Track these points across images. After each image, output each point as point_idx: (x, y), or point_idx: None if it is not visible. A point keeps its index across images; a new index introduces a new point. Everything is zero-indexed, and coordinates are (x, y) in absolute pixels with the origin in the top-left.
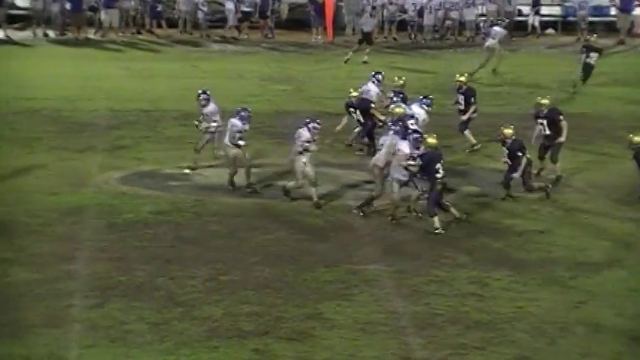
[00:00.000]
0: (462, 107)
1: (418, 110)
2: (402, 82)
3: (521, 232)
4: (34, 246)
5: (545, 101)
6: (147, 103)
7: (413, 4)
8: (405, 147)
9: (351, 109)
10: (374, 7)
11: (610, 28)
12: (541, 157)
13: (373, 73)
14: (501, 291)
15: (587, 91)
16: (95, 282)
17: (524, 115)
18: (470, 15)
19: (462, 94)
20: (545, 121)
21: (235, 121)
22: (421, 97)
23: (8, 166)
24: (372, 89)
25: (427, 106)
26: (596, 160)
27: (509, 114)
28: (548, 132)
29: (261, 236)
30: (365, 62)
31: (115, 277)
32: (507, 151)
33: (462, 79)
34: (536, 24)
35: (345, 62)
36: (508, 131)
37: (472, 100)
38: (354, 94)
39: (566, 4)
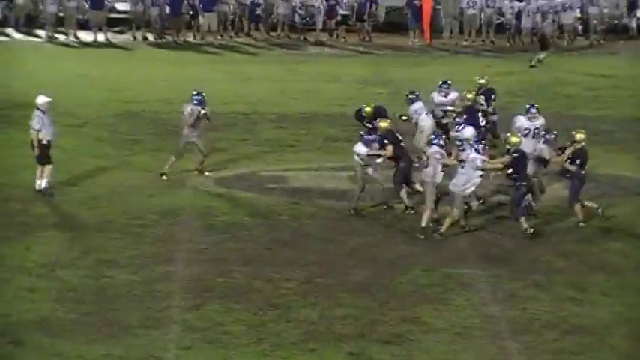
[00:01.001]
0: (485, 107)
1: (425, 121)
2: (483, 80)
3: (620, 237)
4: (133, 247)
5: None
6: (244, 105)
7: (511, 7)
8: (478, 158)
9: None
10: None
11: None
12: None
13: (440, 82)
14: (600, 296)
15: None
16: (193, 284)
17: (622, 119)
18: (568, 19)
19: (482, 94)
20: None
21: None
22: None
23: (107, 168)
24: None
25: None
26: None
27: (608, 116)
28: None
29: (357, 239)
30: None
31: (212, 278)
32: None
33: (482, 81)
34: (634, 25)
35: (532, 66)
36: (580, 135)
37: (492, 99)
38: (367, 108)
39: None
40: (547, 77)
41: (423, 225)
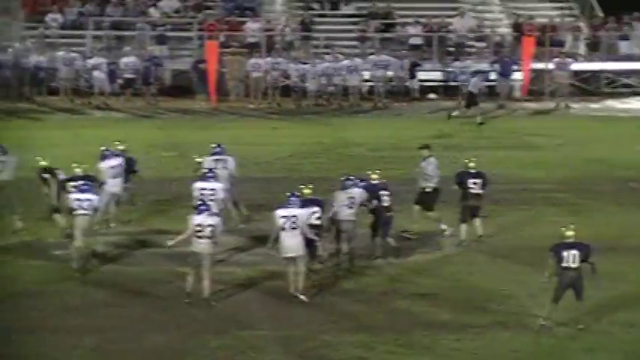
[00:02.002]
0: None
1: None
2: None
3: (406, 296)
4: None
5: (472, 164)
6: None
7: (296, 69)
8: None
9: None
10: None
11: (490, 92)
12: (465, 220)
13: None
14: (387, 354)
15: (469, 155)
16: None
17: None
18: (353, 81)
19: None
20: (480, 181)
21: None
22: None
23: None
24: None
25: None
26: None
27: (393, 177)
28: (481, 191)
29: (148, 303)
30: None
31: None
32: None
33: None
34: (415, 87)
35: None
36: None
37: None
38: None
39: (447, 69)
40: (333, 139)
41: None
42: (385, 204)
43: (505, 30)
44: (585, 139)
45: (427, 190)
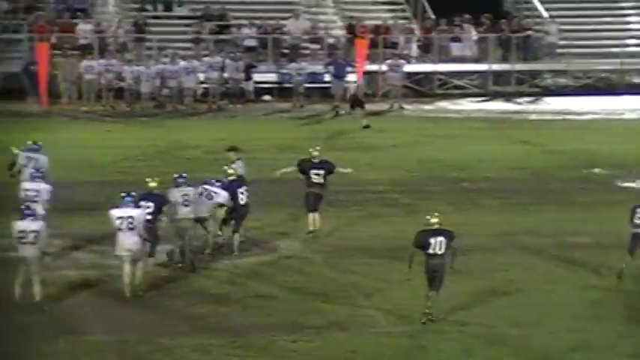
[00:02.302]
0: None
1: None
2: None
3: (242, 298)
4: None
5: (316, 152)
6: None
7: (130, 71)
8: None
9: None
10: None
11: (325, 94)
12: (311, 209)
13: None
14: (224, 357)
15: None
16: None
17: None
18: (189, 82)
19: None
20: (322, 172)
21: None
22: None
23: None
24: None
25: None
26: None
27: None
28: (323, 181)
29: None
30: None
31: None
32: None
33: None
34: (250, 89)
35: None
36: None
37: None
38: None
39: (282, 70)
40: (168, 141)
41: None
42: (242, 202)
43: (339, 32)
44: (419, 141)
45: None
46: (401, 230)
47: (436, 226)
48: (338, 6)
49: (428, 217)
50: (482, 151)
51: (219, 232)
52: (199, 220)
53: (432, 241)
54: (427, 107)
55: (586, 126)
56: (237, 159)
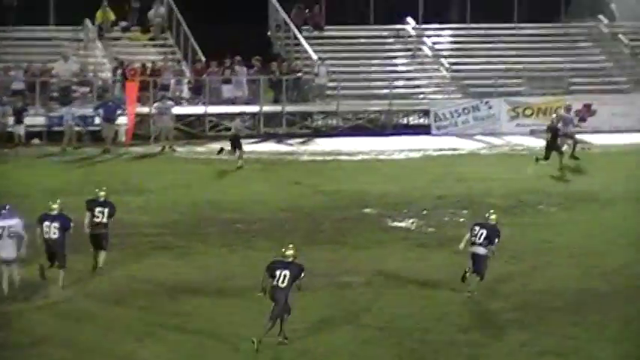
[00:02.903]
0: None
1: None
2: None
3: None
4: None
5: (102, 192)
6: None
7: None
8: None
9: None
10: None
11: (96, 137)
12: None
13: None
14: None
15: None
16: None
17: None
18: None
19: None
20: (106, 210)
21: None
22: None
23: None
24: None
25: None
26: None
27: None
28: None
29: None
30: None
31: None
32: None
33: None
34: (22, 132)
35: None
36: None
37: None
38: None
39: (51, 114)
40: None
41: None
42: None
43: (108, 74)
44: (191, 182)
45: None
46: (175, 272)
47: (290, 259)
48: (107, 48)
49: (284, 249)
50: (256, 192)
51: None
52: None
53: (278, 273)
54: (199, 149)
55: (357, 166)
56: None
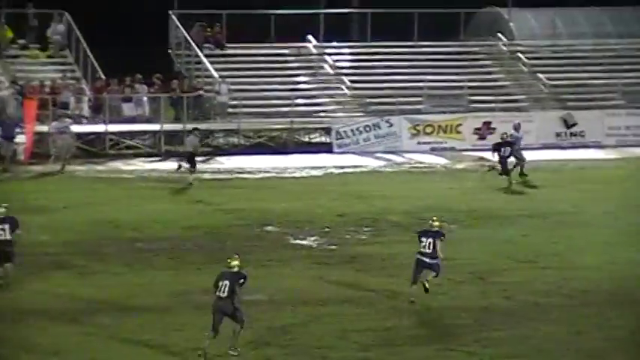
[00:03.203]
0: None
1: None
2: None
3: None
4: None
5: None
6: None
7: None
8: None
9: None
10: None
11: None
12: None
13: None
14: None
15: None
16: None
17: None
18: None
19: None
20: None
21: None
22: None
23: None
24: None
25: None
26: None
27: None
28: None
29: None
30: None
31: None
32: None
33: None
34: None
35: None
36: None
37: None
38: None
39: None
40: None
41: None
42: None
43: (6, 92)
44: (91, 201)
45: None
46: (75, 293)
47: (235, 269)
48: (5, 66)
49: (229, 259)
50: (157, 211)
51: None
52: None
53: (220, 283)
54: (99, 168)
55: (259, 184)
56: None
